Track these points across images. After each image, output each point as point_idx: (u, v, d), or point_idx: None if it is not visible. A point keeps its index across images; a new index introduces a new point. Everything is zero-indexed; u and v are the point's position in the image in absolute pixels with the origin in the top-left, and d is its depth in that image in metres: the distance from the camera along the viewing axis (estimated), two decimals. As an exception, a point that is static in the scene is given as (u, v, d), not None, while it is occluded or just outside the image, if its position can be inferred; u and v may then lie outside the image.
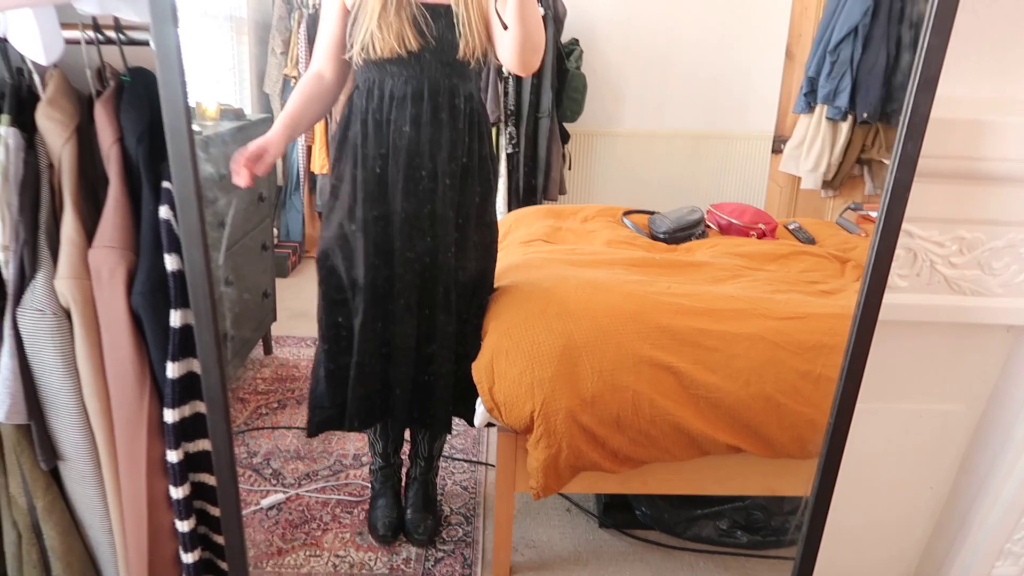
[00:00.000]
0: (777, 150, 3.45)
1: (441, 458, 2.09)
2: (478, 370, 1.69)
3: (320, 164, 3.74)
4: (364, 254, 1.61)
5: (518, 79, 3.54)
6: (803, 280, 2.07)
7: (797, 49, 3.32)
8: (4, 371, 0.96)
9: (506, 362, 1.65)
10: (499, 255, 2.29)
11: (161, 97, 0.76)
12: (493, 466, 2.11)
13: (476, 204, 1.67)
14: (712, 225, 2.62)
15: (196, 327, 0.85)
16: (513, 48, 1.46)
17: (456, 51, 1.52)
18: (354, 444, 2.28)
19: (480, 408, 1.71)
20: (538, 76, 3.53)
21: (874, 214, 2.93)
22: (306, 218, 3.89)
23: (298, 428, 2.36)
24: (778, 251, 2.30)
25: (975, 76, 0.93)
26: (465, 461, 2.24)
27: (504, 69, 3.37)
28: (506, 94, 3.56)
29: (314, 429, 1.79)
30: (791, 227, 2.62)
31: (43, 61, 0.86)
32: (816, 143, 3.22)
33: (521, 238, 2.45)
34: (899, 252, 0.97)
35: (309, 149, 3.78)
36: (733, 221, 2.57)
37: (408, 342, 1.68)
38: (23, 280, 0.95)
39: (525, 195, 3.72)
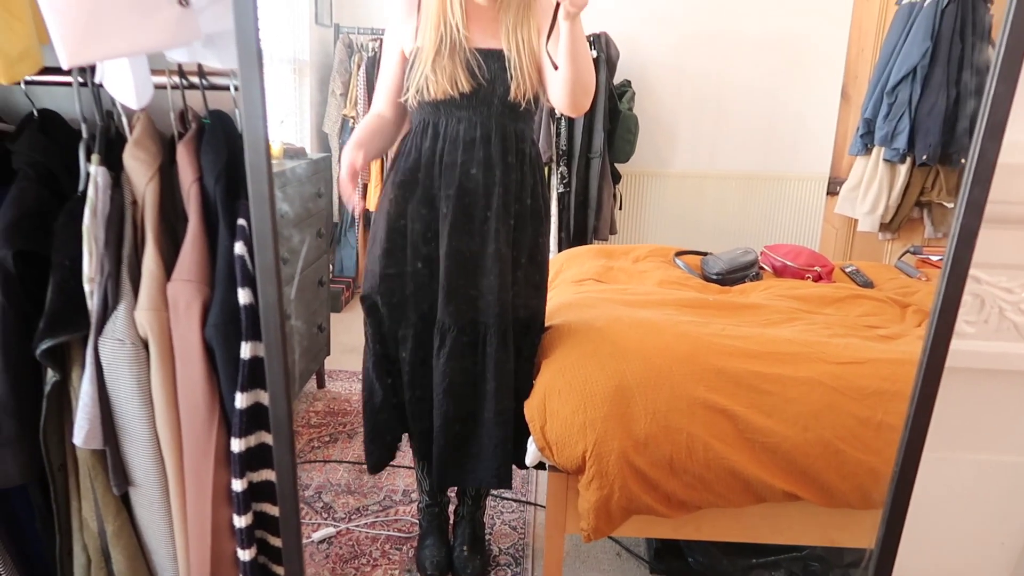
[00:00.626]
0: (833, 192, 3.42)
1: (489, 497, 2.08)
2: (530, 408, 1.69)
3: (376, 202, 3.83)
4: (424, 292, 1.65)
5: (570, 120, 3.59)
6: (862, 324, 2.04)
7: (853, 91, 3.30)
8: (84, 397, 1.01)
9: (558, 401, 1.65)
10: (551, 294, 2.30)
11: (244, 137, 0.81)
12: (542, 507, 2.10)
13: (528, 242, 1.69)
14: (766, 267, 2.60)
15: (267, 359, 0.88)
16: (564, 89, 1.50)
17: (508, 93, 1.56)
18: (403, 480, 2.29)
19: (531, 447, 1.70)
20: (590, 117, 3.57)
21: (935, 258, 2.88)
22: (360, 254, 3.97)
23: (349, 462, 2.39)
24: (835, 294, 2.26)
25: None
26: (514, 501, 2.23)
27: (556, 110, 3.43)
28: (558, 134, 3.61)
29: (374, 468, 1.82)
30: (848, 270, 2.58)
31: (135, 106, 0.92)
32: (873, 185, 3.18)
33: (573, 277, 2.46)
34: (966, 298, 0.95)
35: (365, 187, 3.87)
36: (788, 263, 2.55)
37: (466, 378, 1.69)
38: (106, 311, 1.01)
39: (576, 234, 3.75)
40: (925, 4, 2.97)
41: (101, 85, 0.98)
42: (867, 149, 3.17)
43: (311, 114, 3.78)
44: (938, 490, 1.14)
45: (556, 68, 1.47)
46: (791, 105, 3.81)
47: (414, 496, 2.21)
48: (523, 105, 1.59)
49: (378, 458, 1.80)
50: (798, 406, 1.61)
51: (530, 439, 1.70)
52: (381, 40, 3.73)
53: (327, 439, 2.54)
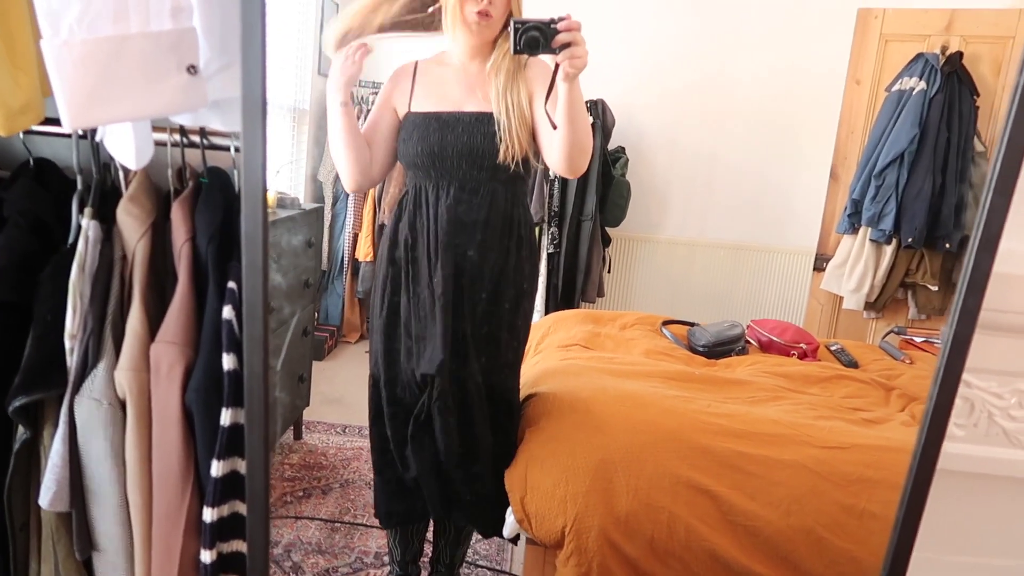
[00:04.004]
0: (819, 268, 3.46)
1: (464, 565, 2.03)
2: (511, 478, 1.66)
3: (364, 252, 3.83)
4: (399, 359, 1.63)
5: (564, 182, 3.63)
6: (846, 407, 2.03)
7: (842, 171, 3.37)
8: (54, 457, 0.97)
9: (540, 472, 1.62)
10: (536, 358, 2.28)
11: (242, 204, 0.80)
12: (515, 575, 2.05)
13: (507, 310, 1.64)
14: (752, 341, 2.60)
15: (247, 430, 0.86)
16: (561, 150, 1.48)
17: (496, 156, 1.54)
18: (376, 542, 2.23)
19: (510, 518, 1.67)
20: (583, 180, 3.61)
21: (919, 339, 2.88)
22: (346, 303, 3.95)
23: (321, 520, 2.33)
24: (820, 374, 2.26)
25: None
26: (488, 569, 2.17)
27: (551, 172, 3.46)
28: (551, 196, 3.65)
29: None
30: (833, 348, 2.59)
31: (133, 166, 0.92)
32: (859, 264, 3.22)
33: (559, 342, 2.45)
34: (956, 401, 0.95)
35: (355, 237, 3.88)
36: (774, 339, 2.55)
37: (439, 446, 1.65)
38: (85, 369, 0.98)
39: (564, 295, 3.75)
40: (914, 92, 3.06)
41: (100, 142, 0.98)
42: (854, 228, 3.22)
43: (307, 162, 3.80)
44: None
45: (555, 128, 1.47)
46: (781, 180, 3.89)
47: (386, 560, 2.15)
48: (512, 168, 1.56)
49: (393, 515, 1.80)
50: (782, 490, 1.59)
51: (508, 509, 1.67)
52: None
53: (300, 494, 2.48)
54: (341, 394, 3.34)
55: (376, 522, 2.15)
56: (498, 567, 2.18)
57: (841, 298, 3.33)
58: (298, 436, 2.85)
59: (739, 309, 3.87)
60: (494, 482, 1.69)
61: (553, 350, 2.37)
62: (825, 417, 1.90)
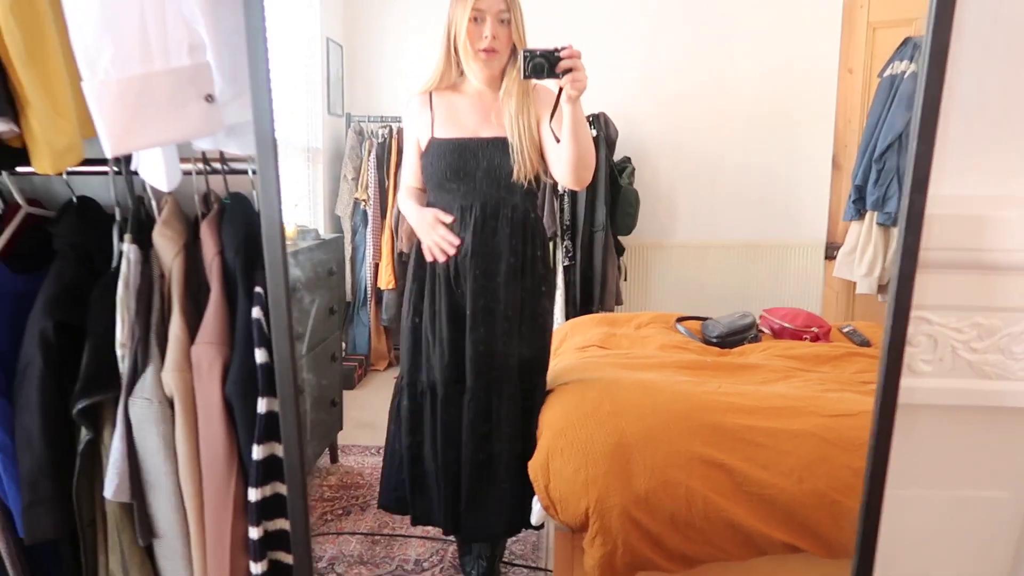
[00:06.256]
0: (830, 256, 3.50)
1: (500, 563, 2.11)
2: (534, 469, 1.74)
3: (386, 281, 3.96)
4: (436, 351, 1.80)
5: (573, 196, 3.73)
6: (856, 380, 2.09)
7: (843, 159, 3.43)
8: (115, 453, 1.10)
9: (561, 460, 1.70)
10: (555, 360, 2.38)
11: (261, 212, 0.92)
12: (552, 572, 2.12)
13: (527, 299, 1.81)
14: (765, 330, 2.67)
15: (281, 410, 0.97)
16: (567, 164, 1.64)
17: (511, 175, 1.71)
18: (415, 550, 2.32)
19: (537, 506, 1.75)
20: (592, 192, 3.71)
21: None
22: (372, 332, 4.07)
23: (362, 534, 2.42)
24: (831, 353, 2.32)
25: (979, 176, 1.03)
26: (524, 567, 2.24)
27: (559, 186, 3.57)
28: (562, 210, 3.75)
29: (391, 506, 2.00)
30: (845, 330, 2.64)
31: (165, 189, 1.05)
32: (868, 249, 3.26)
33: (577, 344, 2.54)
34: (920, 339, 1.03)
35: (376, 267, 4.01)
36: (786, 325, 2.62)
37: (485, 444, 1.83)
38: (135, 373, 1.11)
39: (582, 306, 3.83)
40: (905, 75, 3.12)
41: (134, 172, 1.11)
42: (860, 214, 3.26)
43: (324, 198, 3.95)
44: (916, 527, 1.18)
45: (558, 141, 1.62)
46: (785, 176, 3.94)
47: (426, 565, 2.23)
48: (525, 184, 1.73)
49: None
50: (792, 458, 1.65)
51: (535, 498, 1.75)
52: (390, 127, 3.94)
53: (340, 512, 2.58)
54: (372, 419, 3.44)
55: (415, 531, 2.26)
56: (533, 564, 2.26)
57: (855, 284, 3.37)
58: (334, 459, 2.96)
59: (756, 304, 3.89)
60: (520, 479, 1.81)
61: (571, 352, 2.46)
62: (833, 390, 1.96)
